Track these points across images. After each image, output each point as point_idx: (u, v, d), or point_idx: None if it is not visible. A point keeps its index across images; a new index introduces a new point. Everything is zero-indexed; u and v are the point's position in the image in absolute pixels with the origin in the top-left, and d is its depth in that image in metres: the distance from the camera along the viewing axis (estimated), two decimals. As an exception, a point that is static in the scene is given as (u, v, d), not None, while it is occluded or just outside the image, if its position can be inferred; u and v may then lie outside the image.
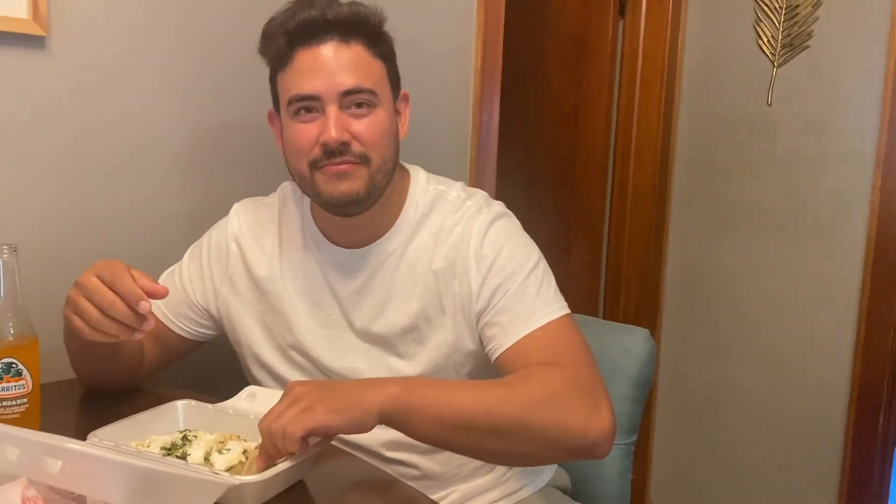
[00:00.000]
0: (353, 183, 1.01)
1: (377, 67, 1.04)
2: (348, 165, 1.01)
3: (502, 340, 1.02)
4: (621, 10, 2.41)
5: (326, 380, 1.10)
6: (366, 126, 1.01)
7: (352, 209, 1.04)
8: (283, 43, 1.02)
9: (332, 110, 1.00)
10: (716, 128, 2.30)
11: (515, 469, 1.17)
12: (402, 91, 1.11)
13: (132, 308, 0.87)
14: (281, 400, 0.86)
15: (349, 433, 0.87)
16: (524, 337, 1.01)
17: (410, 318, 1.08)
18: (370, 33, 1.03)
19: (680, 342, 2.40)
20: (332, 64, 1.00)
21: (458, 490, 1.12)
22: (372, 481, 0.95)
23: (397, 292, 1.09)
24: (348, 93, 1.00)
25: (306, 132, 1.01)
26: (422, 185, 1.12)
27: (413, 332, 1.08)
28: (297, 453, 0.82)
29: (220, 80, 1.39)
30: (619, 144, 2.45)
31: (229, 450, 0.87)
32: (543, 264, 1.08)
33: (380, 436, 1.07)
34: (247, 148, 1.44)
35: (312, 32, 1.00)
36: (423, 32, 1.72)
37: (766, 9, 2.15)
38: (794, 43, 2.11)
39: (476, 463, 1.12)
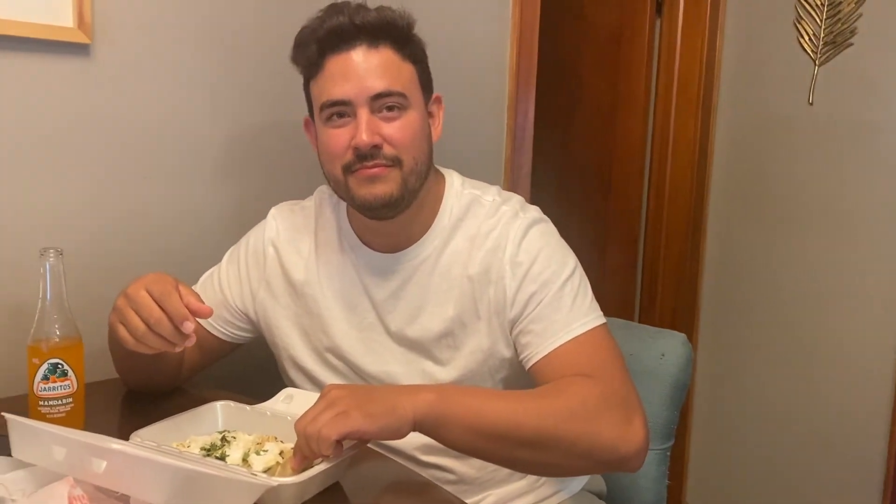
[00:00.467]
0: (385, 186, 1.02)
1: (407, 70, 1.04)
2: (380, 168, 1.01)
3: (536, 349, 1.02)
4: (658, 9, 2.39)
5: (363, 384, 1.11)
6: (396, 129, 1.02)
7: (386, 212, 1.04)
8: (313, 50, 1.03)
9: (362, 114, 1.00)
10: (755, 127, 2.26)
11: (550, 473, 1.17)
12: (435, 94, 1.11)
13: (177, 326, 0.89)
14: (317, 402, 0.87)
15: (384, 439, 0.88)
16: (558, 347, 1.01)
17: (446, 324, 1.08)
18: (399, 36, 1.03)
19: (718, 345, 2.37)
20: (362, 68, 1.01)
21: (493, 494, 1.12)
22: (408, 484, 0.96)
23: (432, 297, 1.09)
24: (378, 96, 1.01)
25: (339, 137, 1.02)
26: (456, 189, 1.12)
27: (448, 338, 1.08)
28: (332, 456, 0.83)
29: (259, 86, 1.41)
30: (656, 144, 2.42)
31: (266, 451, 0.88)
32: (580, 272, 1.08)
33: (415, 440, 1.06)
34: (284, 152, 1.46)
35: (342, 39, 1.01)
36: (458, 32, 1.72)
37: (807, 6, 2.11)
38: (836, 40, 2.07)
39: (511, 467, 1.12)
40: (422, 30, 1.68)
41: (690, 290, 2.39)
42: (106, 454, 0.68)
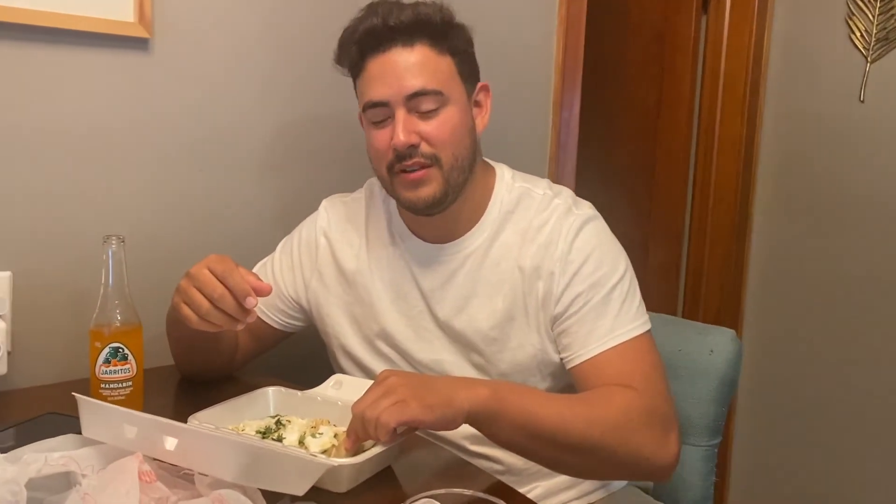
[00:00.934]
0: (428, 188, 1.04)
1: (445, 65, 1.04)
2: (423, 171, 1.03)
3: (579, 352, 1.03)
4: (704, 5, 2.37)
5: (417, 373, 1.12)
6: (434, 126, 1.02)
7: (431, 210, 1.06)
8: (354, 52, 1.05)
9: (400, 114, 1.02)
10: (803, 125, 2.22)
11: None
12: (482, 82, 1.11)
13: (239, 302, 0.91)
14: (375, 387, 0.88)
15: (438, 430, 0.90)
16: (602, 353, 1.02)
17: (495, 317, 1.08)
18: (435, 31, 1.03)
19: (762, 345, 2.33)
20: (399, 68, 1.02)
21: (541, 486, 1.12)
22: (458, 472, 0.97)
23: (481, 289, 1.09)
24: (414, 95, 1.01)
25: (381, 137, 1.04)
26: (507, 182, 1.13)
27: (495, 331, 1.09)
28: (385, 441, 0.85)
29: (311, 81, 1.43)
30: (702, 142, 2.40)
31: (321, 434, 0.90)
32: (630, 274, 1.08)
33: (464, 429, 1.08)
34: (335, 147, 1.48)
35: (378, 40, 1.02)
36: (504, 27, 1.72)
37: (859, 2, 2.07)
38: (889, 37, 2.03)
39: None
40: (465, 22, 1.68)
41: (735, 289, 2.36)
42: (178, 432, 0.70)
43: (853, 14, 2.08)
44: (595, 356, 1.02)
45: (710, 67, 2.36)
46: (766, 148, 2.32)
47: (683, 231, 2.47)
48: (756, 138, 2.32)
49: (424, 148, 1.02)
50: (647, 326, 1.05)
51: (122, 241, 1.02)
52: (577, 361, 1.03)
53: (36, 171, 1.18)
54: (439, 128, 1.02)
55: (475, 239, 1.11)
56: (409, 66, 1.01)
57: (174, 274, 1.02)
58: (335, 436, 0.90)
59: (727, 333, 1.27)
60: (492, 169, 1.15)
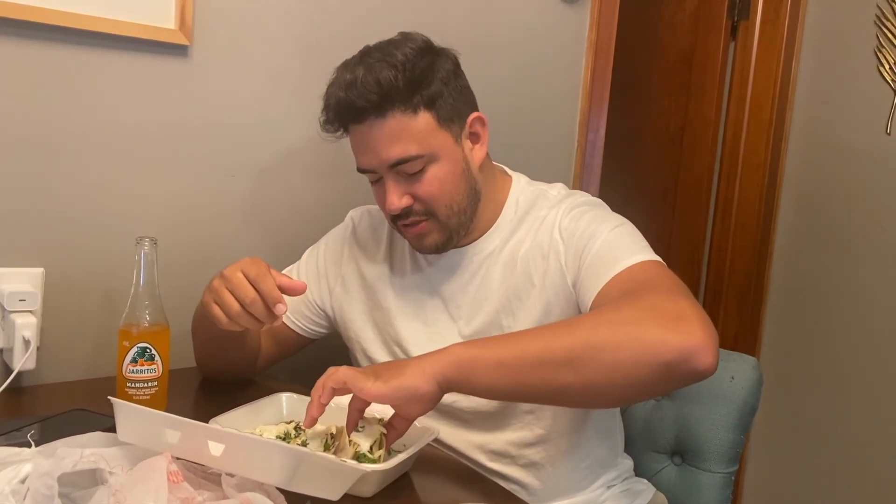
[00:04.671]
0: (430, 238, 1.08)
1: (422, 123, 1.03)
2: (421, 225, 1.07)
3: (589, 294, 0.99)
4: (733, 31, 2.37)
5: None
6: (422, 186, 1.05)
7: (438, 252, 1.11)
8: (335, 124, 1.07)
9: (388, 181, 1.05)
10: (828, 155, 2.22)
11: (614, 489, 1.17)
12: (474, 114, 1.09)
13: (269, 307, 0.93)
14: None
15: (400, 401, 0.87)
16: (606, 283, 0.97)
17: (501, 302, 1.09)
18: (403, 96, 1.01)
19: (778, 373, 2.32)
20: (375, 141, 1.03)
21: (558, 506, 1.12)
22: (477, 485, 0.96)
23: (497, 286, 1.11)
24: (395, 164, 1.03)
25: (379, 194, 1.09)
26: (523, 185, 1.16)
27: (507, 317, 1.09)
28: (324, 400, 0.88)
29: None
30: (725, 168, 2.40)
31: (362, 428, 0.91)
32: (632, 227, 1.06)
33: (482, 443, 1.09)
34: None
35: (352, 116, 1.04)
36: (533, 48, 1.74)
37: (889, 34, 2.07)
38: (918, 70, 2.02)
39: (575, 479, 1.13)
40: (500, 48, 1.69)
41: (753, 317, 2.35)
42: (222, 437, 0.71)
43: (882, 46, 2.08)
44: (602, 288, 0.97)
45: (736, 93, 2.36)
46: (790, 175, 2.32)
47: (703, 255, 2.46)
48: (780, 165, 2.32)
49: (417, 207, 1.06)
50: (656, 258, 1.00)
51: (155, 243, 1.03)
52: (588, 305, 0.98)
53: (72, 171, 1.20)
54: (427, 187, 1.04)
55: (492, 240, 1.13)
56: (385, 137, 1.02)
57: (202, 277, 1.03)
58: (380, 422, 0.92)
59: (749, 361, 1.26)
60: (508, 177, 1.18)
